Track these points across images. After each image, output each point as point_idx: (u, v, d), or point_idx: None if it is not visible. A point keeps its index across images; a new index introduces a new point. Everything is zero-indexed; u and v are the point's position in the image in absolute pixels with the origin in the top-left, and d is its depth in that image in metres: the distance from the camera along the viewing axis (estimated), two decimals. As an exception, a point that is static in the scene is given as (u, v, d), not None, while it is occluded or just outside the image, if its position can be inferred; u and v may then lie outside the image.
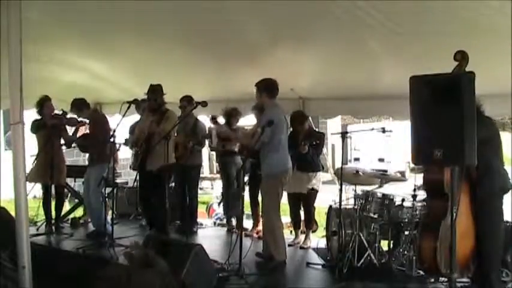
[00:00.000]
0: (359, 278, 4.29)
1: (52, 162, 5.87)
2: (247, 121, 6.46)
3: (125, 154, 8.56)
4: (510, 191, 3.75)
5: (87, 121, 6.02)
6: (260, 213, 5.59)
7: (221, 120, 6.37)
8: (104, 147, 5.58)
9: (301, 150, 5.25)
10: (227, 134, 5.63)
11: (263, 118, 4.76)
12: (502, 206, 3.71)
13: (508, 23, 3.24)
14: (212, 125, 6.46)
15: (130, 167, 6.15)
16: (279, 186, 4.72)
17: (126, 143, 6.41)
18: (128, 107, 5.20)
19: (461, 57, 2.93)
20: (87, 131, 6.27)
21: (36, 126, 5.93)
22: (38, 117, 6.01)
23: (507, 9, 3.13)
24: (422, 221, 4.15)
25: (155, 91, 5.43)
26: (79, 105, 5.86)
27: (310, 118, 5.97)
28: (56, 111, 6.05)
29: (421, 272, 4.19)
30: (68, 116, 5.98)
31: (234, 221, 6.44)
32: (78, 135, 6.12)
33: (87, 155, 6.38)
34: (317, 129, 5.74)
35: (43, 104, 5.96)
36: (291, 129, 5.47)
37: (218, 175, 11.18)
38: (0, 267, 3.32)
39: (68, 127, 6.14)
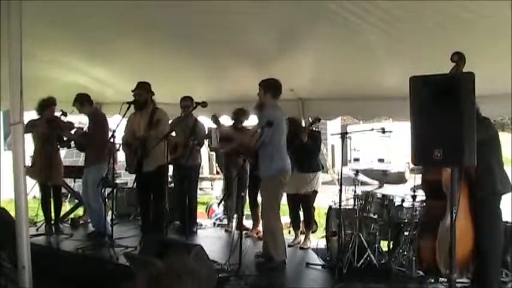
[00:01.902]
0: (359, 279, 4.29)
1: (49, 163, 5.87)
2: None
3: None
4: (510, 192, 3.75)
5: (85, 127, 6.00)
6: (260, 214, 5.59)
7: (225, 120, 6.32)
8: (103, 147, 5.56)
9: (302, 138, 5.22)
10: (229, 133, 5.60)
11: (262, 118, 4.76)
12: (500, 206, 3.72)
13: (507, 23, 3.25)
14: (213, 125, 6.42)
15: (126, 169, 6.07)
16: (279, 187, 4.72)
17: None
18: (128, 108, 5.21)
19: (459, 58, 2.95)
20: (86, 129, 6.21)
21: (30, 126, 5.76)
22: (37, 117, 5.96)
23: (507, 9, 3.14)
24: (421, 221, 4.16)
25: (140, 87, 5.39)
26: (82, 100, 5.84)
27: (310, 118, 5.96)
28: (56, 113, 5.99)
29: (421, 273, 4.19)
30: (69, 115, 5.97)
31: (234, 222, 6.43)
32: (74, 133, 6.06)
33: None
34: (315, 129, 5.71)
35: (46, 107, 5.92)
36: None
37: (218, 175, 11.22)
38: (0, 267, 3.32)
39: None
